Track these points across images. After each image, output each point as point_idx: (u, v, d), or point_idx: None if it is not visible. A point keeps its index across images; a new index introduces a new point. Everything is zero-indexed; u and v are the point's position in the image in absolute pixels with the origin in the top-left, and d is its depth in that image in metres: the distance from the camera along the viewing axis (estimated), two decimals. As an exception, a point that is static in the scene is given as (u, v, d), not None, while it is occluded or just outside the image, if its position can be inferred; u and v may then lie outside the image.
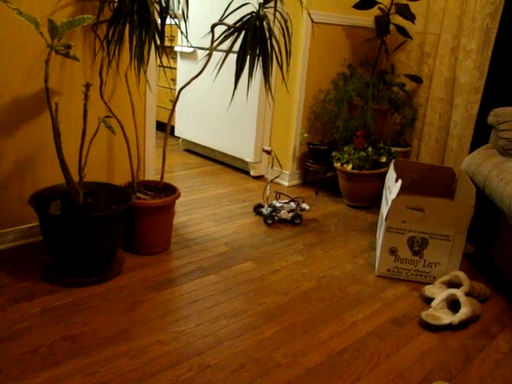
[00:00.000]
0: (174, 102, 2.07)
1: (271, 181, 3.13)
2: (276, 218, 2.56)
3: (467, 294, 1.95)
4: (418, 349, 1.67)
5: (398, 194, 1.94)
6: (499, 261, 2.08)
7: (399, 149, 3.08)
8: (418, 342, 1.71)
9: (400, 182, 1.96)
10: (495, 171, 2.06)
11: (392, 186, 2.05)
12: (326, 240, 2.44)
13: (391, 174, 2.23)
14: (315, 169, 3.09)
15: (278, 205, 2.60)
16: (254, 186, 3.17)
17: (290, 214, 2.57)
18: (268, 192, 2.73)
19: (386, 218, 2.00)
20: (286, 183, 3.21)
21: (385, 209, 2.11)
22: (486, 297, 2.01)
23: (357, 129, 2.88)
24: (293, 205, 2.61)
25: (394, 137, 3.21)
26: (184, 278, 1.96)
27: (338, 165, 2.85)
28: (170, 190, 2.19)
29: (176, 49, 3.68)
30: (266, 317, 1.76)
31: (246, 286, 1.94)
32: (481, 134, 2.97)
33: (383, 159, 2.80)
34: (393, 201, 1.95)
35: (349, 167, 2.77)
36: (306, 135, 3.07)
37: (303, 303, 1.87)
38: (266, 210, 2.58)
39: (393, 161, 2.38)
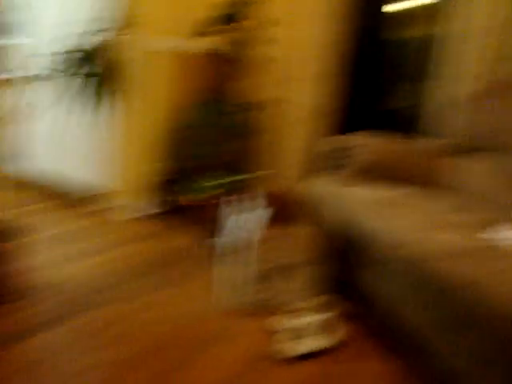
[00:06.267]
0: None
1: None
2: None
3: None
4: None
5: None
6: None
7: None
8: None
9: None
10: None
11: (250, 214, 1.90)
12: (182, 275, 2.23)
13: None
14: (167, 200, 2.90)
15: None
16: (105, 224, 2.86)
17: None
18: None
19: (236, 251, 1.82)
20: (136, 214, 2.95)
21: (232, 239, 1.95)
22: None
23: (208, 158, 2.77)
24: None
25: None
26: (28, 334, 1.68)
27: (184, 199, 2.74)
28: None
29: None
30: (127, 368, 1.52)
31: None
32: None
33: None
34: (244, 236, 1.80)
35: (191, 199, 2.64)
36: (156, 165, 2.91)
37: (157, 351, 1.66)
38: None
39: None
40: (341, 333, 1.77)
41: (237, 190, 2.68)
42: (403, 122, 2.93)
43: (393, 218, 1.71)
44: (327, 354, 1.67)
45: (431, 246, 1.49)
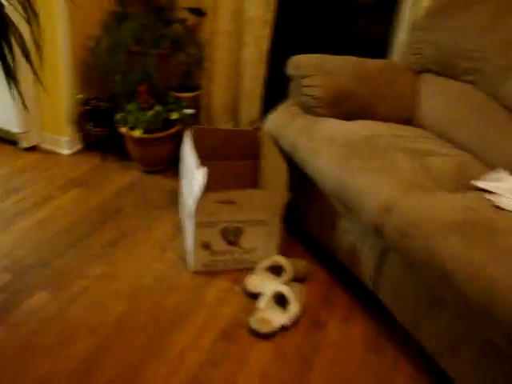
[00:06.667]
0: None
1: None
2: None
3: (293, 280, 1.75)
4: (256, 368, 1.46)
5: (203, 185, 1.58)
6: (313, 229, 1.95)
7: (188, 94, 2.66)
8: (254, 359, 1.49)
9: (204, 170, 1.60)
10: (302, 138, 1.83)
11: (194, 171, 1.69)
12: (128, 231, 2.01)
13: (188, 148, 1.87)
14: (98, 133, 2.55)
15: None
16: (28, 164, 2.50)
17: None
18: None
19: (194, 214, 1.65)
20: (65, 152, 2.60)
21: (188, 197, 1.77)
22: (308, 272, 1.84)
23: (139, 83, 2.39)
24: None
25: (180, 80, 2.75)
26: None
27: (124, 130, 2.37)
28: None
29: None
30: (80, 380, 1.36)
31: (45, 334, 1.49)
32: (274, 72, 2.68)
33: (174, 116, 2.40)
34: (198, 200, 1.60)
35: (137, 133, 2.31)
36: (78, 96, 2.51)
37: (118, 341, 1.50)
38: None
39: (188, 131, 1.97)
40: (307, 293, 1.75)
41: (178, 119, 2.41)
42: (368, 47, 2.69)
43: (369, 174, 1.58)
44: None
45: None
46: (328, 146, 1.71)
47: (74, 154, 2.61)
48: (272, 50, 2.63)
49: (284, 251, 1.88)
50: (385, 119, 2.02)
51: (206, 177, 1.60)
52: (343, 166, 1.62)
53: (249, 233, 1.75)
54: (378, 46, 2.59)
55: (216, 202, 1.63)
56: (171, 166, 2.54)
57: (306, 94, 1.93)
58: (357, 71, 1.99)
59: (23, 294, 1.63)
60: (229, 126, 2.86)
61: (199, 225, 1.68)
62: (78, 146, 2.65)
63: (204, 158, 1.97)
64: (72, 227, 1.99)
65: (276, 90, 2.92)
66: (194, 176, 1.71)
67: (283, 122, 1.96)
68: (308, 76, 1.93)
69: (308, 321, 1.64)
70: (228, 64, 2.68)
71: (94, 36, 2.48)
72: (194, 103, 2.74)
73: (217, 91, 2.75)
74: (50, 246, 1.88)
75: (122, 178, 2.41)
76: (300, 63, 1.98)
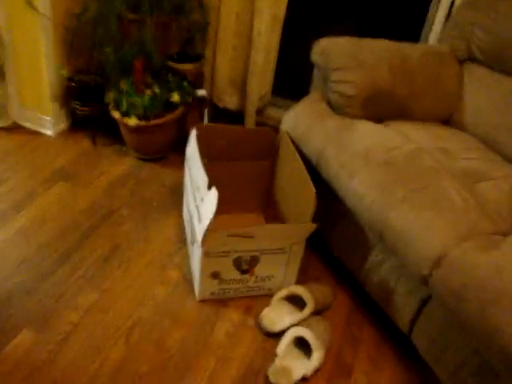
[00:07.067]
0: None
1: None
2: None
3: (313, 313, 1.53)
4: None
5: (214, 212, 1.32)
6: (337, 248, 1.70)
7: (189, 65, 2.29)
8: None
9: (215, 193, 1.32)
10: (332, 148, 1.53)
11: (202, 187, 1.42)
12: (123, 242, 1.75)
13: (194, 152, 1.58)
14: (85, 112, 2.20)
15: None
16: (7, 148, 2.18)
17: None
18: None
19: (202, 244, 1.39)
20: (49, 132, 2.27)
21: (194, 215, 1.51)
22: (330, 302, 1.62)
23: (133, 57, 2.03)
24: None
25: (182, 47, 2.38)
26: None
27: (117, 115, 2.03)
28: None
29: None
30: None
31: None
32: (288, 43, 2.40)
33: (175, 97, 2.06)
34: (208, 230, 1.34)
35: (132, 121, 1.98)
36: (63, 72, 2.16)
37: None
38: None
39: (193, 131, 1.65)
40: (330, 331, 1.53)
41: (180, 102, 2.09)
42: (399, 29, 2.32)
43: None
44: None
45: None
46: (364, 165, 1.43)
47: (60, 134, 2.29)
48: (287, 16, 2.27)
49: (301, 267, 1.63)
50: (423, 119, 1.73)
51: (216, 201, 1.33)
52: (384, 195, 1.35)
53: (265, 261, 1.50)
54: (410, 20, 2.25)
55: (229, 237, 1.37)
56: (172, 152, 2.25)
57: (335, 91, 1.62)
58: (395, 64, 1.66)
59: (4, 333, 1.39)
60: (233, 99, 2.53)
61: (208, 254, 1.43)
62: (64, 125, 2.33)
63: (211, 157, 1.69)
64: (58, 238, 1.73)
65: (288, 63, 2.60)
66: (201, 193, 1.44)
67: (307, 123, 1.65)
68: (339, 69, 1.61)
69: (332, 363, 1.44)
70: (236, 32, 2.32)
71: (81, 2, 2.08)
72: (196, 75, 2.40)
73: (222, 62, 2.40)
74: (33, 265, 1.62)
75: (115, 167, 2.12)
76: (329, 50, 1.66)
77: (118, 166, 2.12)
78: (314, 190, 1.42)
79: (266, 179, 1.85)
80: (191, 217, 1.59)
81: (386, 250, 1.44)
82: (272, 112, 2.63)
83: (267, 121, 2.59)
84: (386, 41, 1.76)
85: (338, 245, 1.68)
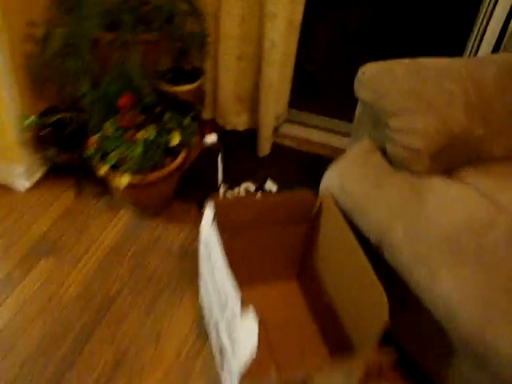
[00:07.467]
0: None
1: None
2: None
3: None
4: None
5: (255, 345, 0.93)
6: (405, 341, 1.29)
7: (187, 86, 1.88)
8: None
9: (254, 317, 0.94)
10: (401, 228, 1.13)
11: (231, 301, 1.03)
12: (128, 348, 1.35)
13: (212, 239, 1.18)
14: (65, 159, 1.79)
15: None
16: None
17: None
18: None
19: (241, 380, 1.02)
20: (22, 185, 1.84)
21: (225, 337, 1.11)
22: None
23: (118, 93, 1.60)
24: None
25: (175, 61, 1.93)
26: None
27: (103, 171, 1.58)
28: None
29: None
30: None
31: None
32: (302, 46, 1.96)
33: (175, 140, 1.62)
34: (248, 371, 0.96)
35: (124, 180, 1.54)
36: (31, 119, 1.70)
37: None
38: None
39: (209, 208, 1.22)
40: None
41: (181, 144, 1.65)
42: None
43: None
44: None
45: None
46: (450, 260, 1.04)
47: (35, 186, 1.86)
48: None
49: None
50: (505, 157, 1.34)
51: (257, 334, 0.95)
52: (485, 311, 0.97)
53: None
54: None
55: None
56: (176, 199, 1.84)
57: (397, 143, 1.21)
58: (470, 98, 1.24)
59: None
60: (241, 118, 2.10)
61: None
62: (39, 174, 1.89)
63: (235, 230, 1.31)
64: (44, 350, 1.33)
65: (303, 70, 2.16)
66: (231, 305, 1.05)
67: (360, 188, 1.24)
68: (401, 113, 1.20)
69: None
70: (241, 39, 1.87)
71: (41, 26, 1.61)
72: (196, 95, 1.97)
73: (226, 76, 1.96)
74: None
75: (108, 230, 1.70)
76: (383, 86, 1.23)
77: (110, 228, 1.70)
78: (386, 300, 1.03)
79: (301, 245, 1.46)
80: (216, 322, 1.20)
81: (478, 368, 1.07)
82: (287, 129, 2.21)
83: (283, 141, 2.17)
84: (447, 60, 1.33)
85: (404, 336, 1.30)
